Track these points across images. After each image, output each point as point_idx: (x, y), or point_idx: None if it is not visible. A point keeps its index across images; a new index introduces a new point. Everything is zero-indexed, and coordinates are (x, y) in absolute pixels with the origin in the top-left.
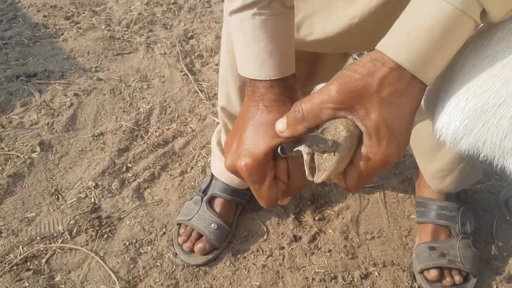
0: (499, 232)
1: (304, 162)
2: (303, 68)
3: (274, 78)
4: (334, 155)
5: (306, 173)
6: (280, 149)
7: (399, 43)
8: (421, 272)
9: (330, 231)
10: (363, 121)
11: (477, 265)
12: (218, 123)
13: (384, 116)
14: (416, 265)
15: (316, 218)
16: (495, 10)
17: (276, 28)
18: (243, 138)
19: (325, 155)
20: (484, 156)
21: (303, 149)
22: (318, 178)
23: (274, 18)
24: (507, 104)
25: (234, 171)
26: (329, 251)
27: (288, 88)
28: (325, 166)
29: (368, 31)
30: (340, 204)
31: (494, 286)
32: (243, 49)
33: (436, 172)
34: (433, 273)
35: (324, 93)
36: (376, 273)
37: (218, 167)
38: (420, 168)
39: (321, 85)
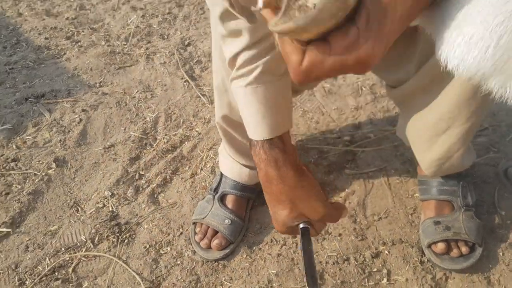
0: (501, 202)
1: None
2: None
3: (267, 138)
4: (314, 8)
5: (259, 2)
6: None
7: None
8: (429, 246)
9: None
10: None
11: (481, 235)
12: None
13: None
14: (423, 240)
15: None
16: None
17: (266, 94)
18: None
19: (301, 1)
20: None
21: None
22: (277, 25)
23: (263, 86)
24: None
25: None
26: (339, 235)
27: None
28: (293, 15)
29: None
30: (346, 190)
31: (500, 253)
32: (241, 113)
33: (433, 161)
34: (440, 246)
35: None
36: (386, 252)
37: (226, 166)
38: (418, 158)
39: None
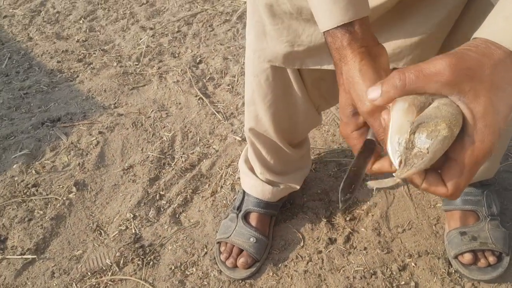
0: None
1: (396, 144)
2: (329, 85)
3: (353, 19)
4: (428, 152)
5: (395, 163)
6: None
7: (504, 29)
8: (456, 257)
9: (363, 229)
10: (470, 104)
11: (508, 244)
12: (239, 141)
13: (493, 101)
14: (450, 251)
15: (347, 219)
16: None
17: None
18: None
19: (416, 149)
20: None
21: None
22: (402, 173)
23: None
24: None
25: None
26: (365, 248)
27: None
28: (412, 162)
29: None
30: (368, 202)
31: None
32: (316, 5)
33: None
34: (467, 257)
35: (434, 65)
36: (413, 264)
37: (248, 183)
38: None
39: None
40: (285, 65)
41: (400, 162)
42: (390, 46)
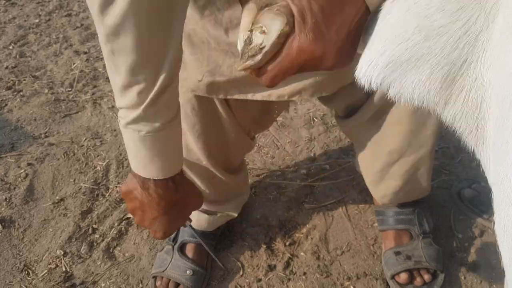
0: (457, 224)
1: (241, 41)
2: (258, 107)
3: (155, 177)
4: (262, 46)
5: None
6: None
7: None
8: (392, 277)
9: (302, 253)
10: (294, 0)
11: (442, 261)
12: None
13: (317, 1)
14: (386, 271)
15: (287, 243)
16: None
17: (155, 143)
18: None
19: (252, 44)
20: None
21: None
22: (240, 65)
23: (152, 135)
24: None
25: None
26: (304, 273)
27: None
28: (247, 55)
29: None
30: (307, 225)
31: (462, 277)
32: (130, 152)
33: (387, 191)
34: (403, 277)
35: None
36: (352, 287)
37: None
38: (370, 189)
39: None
40: (209, 94)
41: (241, 56)
42: None
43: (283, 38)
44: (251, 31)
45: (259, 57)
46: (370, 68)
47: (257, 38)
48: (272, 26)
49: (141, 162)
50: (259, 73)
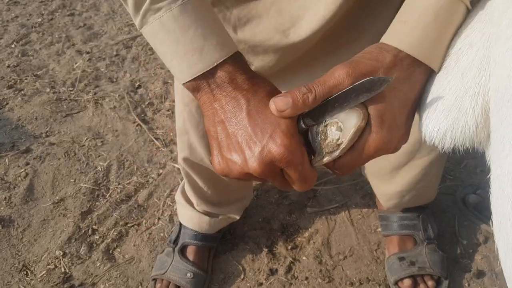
0: (462, 230)
1: (316, 139)
2: None
3: (224, 57)
4: (340, 143)
5: (317, 151)
6: (303, 120)
7: (398, 31)
8: (396, 283)
9: (304, 258)
10: (369, 103)
11: (446, 267)
12: (178, 169)
13: (389, 101)
14: (390, 277)
15: (289, 247)
16: None
17: (198, 10)
18: (250, 131)
19: (328, 139)
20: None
21: (326, 124)
22: (316, 162)
23: (189, 1)
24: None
25: (265, 168)
26: (306, 278)
27: (246, 64)
28: (324, 151)
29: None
30: (309, 229)
31: (466, 284)
32: (175, 51)
33: (394, 194)
34: (406, 283)
35: (334, 77)
36: None
37: (185, 215)
38: (376, 192)
39: None
40: None
41: (318, 153)
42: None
43: (359, 133)
44: (326, 126)
45: (336, 153)
46: (437, 132)
47: (333, 134)
48: (349, 121)
49: (197, 50)
50: (334, 166)
